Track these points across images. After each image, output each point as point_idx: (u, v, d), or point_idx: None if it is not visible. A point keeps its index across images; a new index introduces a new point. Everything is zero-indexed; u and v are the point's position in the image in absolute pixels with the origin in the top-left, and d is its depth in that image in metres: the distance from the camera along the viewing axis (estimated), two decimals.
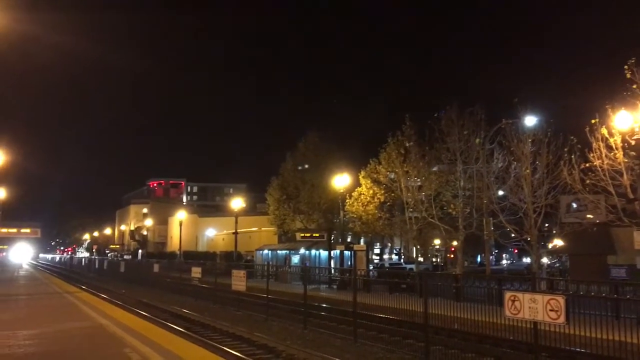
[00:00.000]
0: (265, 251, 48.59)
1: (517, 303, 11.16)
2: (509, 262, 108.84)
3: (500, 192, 26.38)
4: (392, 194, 33.37)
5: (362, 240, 44.43)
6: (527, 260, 79.51)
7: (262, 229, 57.28)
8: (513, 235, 25.10)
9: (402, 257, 65.48)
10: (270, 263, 33.40)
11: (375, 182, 33.94)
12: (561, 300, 10.44)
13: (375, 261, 59.10)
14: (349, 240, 41.19)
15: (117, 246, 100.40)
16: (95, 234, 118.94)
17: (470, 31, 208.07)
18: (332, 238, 41.28)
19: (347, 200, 35.04)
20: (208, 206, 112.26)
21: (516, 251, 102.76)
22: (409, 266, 45.37)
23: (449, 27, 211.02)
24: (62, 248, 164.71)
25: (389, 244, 68.09)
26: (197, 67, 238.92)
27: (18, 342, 13.24)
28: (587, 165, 19.34)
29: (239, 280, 23.60)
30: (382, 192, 33.84)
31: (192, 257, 57.13)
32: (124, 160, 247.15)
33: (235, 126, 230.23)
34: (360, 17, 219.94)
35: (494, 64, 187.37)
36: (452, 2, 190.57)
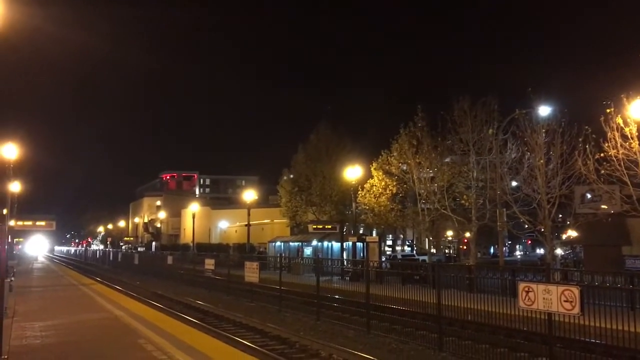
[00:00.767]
0: (278, 243, 48.74)
1: (531, 294, 11.10)
2: (522, 253, 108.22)
3: (514, 183, 26.17)
4: (404, 186, 33.24)
5: (374, 232, 44.41)
6: (540, 251, 79.04)
7: (275, 221, 57.44)
8: (526, 226, 24.91)
9: (415, 248, 65.40)
10: (283, 255, 33.45)
11: (387, 173, 33.82)
12: (576, 291, 10.36)
13: (388, 253, 59.04)
14: (361, 231, 41.18)
15: (131, 238, 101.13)
16: (110, 226, 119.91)
17: (485, 20, 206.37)
18: (345, 230, 41.29)
19: (359, 192, 34.98)
20: (221, 198, 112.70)
21: (530, 242, 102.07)
22: (421, 258, 45.29)
23: (463, 15, 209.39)
24: (76, 241, 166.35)
25: (402, 236, 68.00)
26: (209, 61, 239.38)
27: (35, 333, 13.43)
28: (602, 155, 19.08)
29: (251, 272, 23.71)
30: (394, 183, 33.72)
31: (205, 249, 57.43)
32: (137, 154, 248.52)
33: (248, 119, 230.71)
34: (376, 7, 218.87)
35: (508, 53, 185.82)
36: None
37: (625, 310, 11.65)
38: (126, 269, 51.41)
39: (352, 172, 34.00)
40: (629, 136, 18.12)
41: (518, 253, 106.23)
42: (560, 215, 28.35)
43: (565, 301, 10.42)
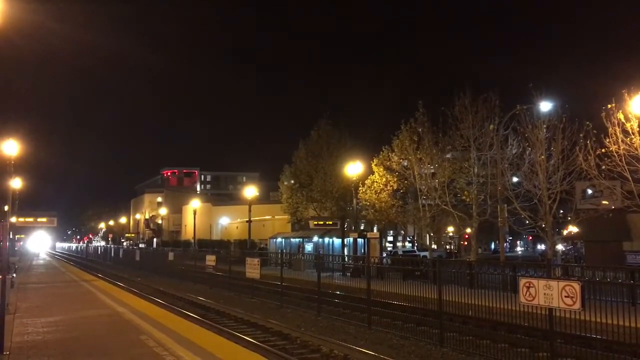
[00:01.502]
0: (279, 239, 48.75)
1: (532, 290, 11.10)
2: (523, 249, 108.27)
3: (515, 179, 26.18)
4: (405, 182, 33.24)
5: (375, 228, 44.36)
6: (541, 247, 79.03)
7: (276, 217, 57.45)
8: (527, 222, 24.91)
9: (416, 244, 65.43)
10: (284, 251, 33.48)
11: (388, 169, 33.81)
12: (577, 286, 10.37)
13: (389, 249, 59.09)
14: (362, 228, 41.21)
15: (133, 235, 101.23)
16: (111, 222, 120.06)
17: (486, 16, 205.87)
18: (346, 226, 41.30)
19: (360, 188, 34.99)
20: (222, 195, 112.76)
21: (531, 238, 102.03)
22: (422, 253, 45.35)
23: (463, 12, 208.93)
24: (78, 237, 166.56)
25: (402, 232, 68.04)
26: (211, 58, 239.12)
27: (37, 330, 13.46)
28: (603, 150, 19.09)
29: (253, 268, 23.74)
30: (395, 179, 33.71)
31: (206, 245, 57.49)
32: (138, 150, 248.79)
33: (249, 115, 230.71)
34: (377, 4, 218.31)
35: (509, 49, 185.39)
36: None
37: (626, 306, 11.65)
38: (127, 265, 51.48)
39: (353, 168, 34.00)
40: (630, 131, 18.11)
41: (519, 249, 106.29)
42: (561, 211, 28.38)
43: (566, 297, 10.43)
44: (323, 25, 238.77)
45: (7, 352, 10.77)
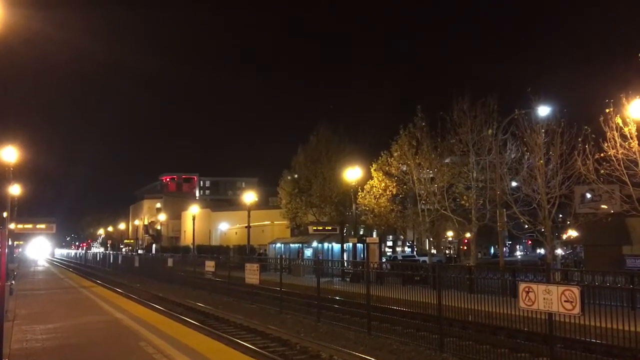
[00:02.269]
0: (278, 244, 48.71)
1: (531, 294, 11.10)
2: (522, 253, 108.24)
3: (514, 183, 26.18)
4: (404, 187, 33.23)
5: (374, 233, 44.38)
6: (541, 251, 79.02)
7: (275, 222, 57.42)
8: (527, 226, 24.92)
9: (415, 249, 65.40)
10: (283, 256, 33.45)
11: (387, 174, 33.81)
12: (576, 291, 10.37)
13: (388, 254, 59.05)
14: (361, 233, 41.17)
15: (132, 241, 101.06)
16: (110, 228, 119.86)
17: (483, 21, 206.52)
18: (345, 231, 41.28)
19: (359, 193, 34.97)
20: (221, 200, 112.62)
21: (530, 242, 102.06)
22: (422, 258, 45.29)
23: (461, 16, 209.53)
24: (77, 243, 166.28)
25: (402, 237, 67.99)
26: (209, 62, 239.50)
27: (35, 337, 13.43)
28: (602, 155, 19.11)
29: (252, 274, 23.72)
30: (394, 184, 33.70)
31: (205, 251, 57.42)
32: (137, 156, 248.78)
33: (248, 120, 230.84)
34: (376, 8, 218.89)
35: (507, 53, 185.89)
36: None
37: (626, 310, 11.64)
38: (126, 271, 51.38)
39: (352, 173, 34.00)
40: (629, 136, 18.15)
41: (518, 253, 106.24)
42: (560, 215, 28.37)
43: (565, 301, 10.42)
44: (322, 30, 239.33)
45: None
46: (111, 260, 65.48)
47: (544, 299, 10.82)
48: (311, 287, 21.38)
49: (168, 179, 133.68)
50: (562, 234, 45.83)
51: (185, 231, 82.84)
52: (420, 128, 30.47)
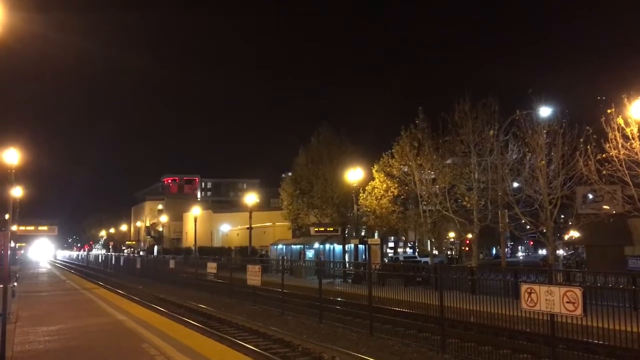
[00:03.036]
0: (280, 246, 48.70)
1: (533, 295, 11.09)
2: (524, 254, 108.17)
3: (515, 184, 26.17)
4: (406, 188, 33.23)
5: (376, 234, 44.34)
6: (543, 252, 78.98)
7: (276, 224, 57.41)
8: (528, 227, 24.90)
9: (417, 250, 65.31)
10: (285, 258, 33.46)
11: (389, 175, 33.81)
12: (578, 292, 10.36)
13: (390, 255, 58.99)
14: (363, 234, 41.16)
15: (133, 242, 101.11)
16: (112, 230, 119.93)
17: (486, 21, 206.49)
18: (346, 232, 41.26)
19: (360, 194, 34.98)
20: (222, 202, 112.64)
21: (532, 243, 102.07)
22: (423, 259, 45.26)
23: (463, 17, 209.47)
24: (78, 245, 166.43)
25: (403, 238, 67.85)
26: (210, 65, 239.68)
27: (38, 338, 13.44)
28: (603, 155, 19.10)
29: (254, 275, 23.72)
30: (396, 185, 33.71)
31: (207, 252, 57.40)
32: (138, 157, 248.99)
33: (249, 122, 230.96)
34: (376, 9, 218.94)
35: (508, 54, 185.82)
36: None
37: (628, 311, 11.63)
38: (128, 273, 51.46)
39: (354, 175, 34.00)
40: (630, 136, 18.12)
41: (520, 254, 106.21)
42: (562, 216, 28.35)
43: (567, 302, 10.42)
44: (323, 32, 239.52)
45: None
46: (113, 262, 65.58)
47: (546, 300, 10.81)
48: (313, 288, 21.38)
49: (170, 181, 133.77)
50: (563, 234, 45.83)
51: (187, 233, 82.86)
52: (422, 129, 30.49)
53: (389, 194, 33.97)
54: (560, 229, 32.44)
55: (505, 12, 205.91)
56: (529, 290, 11.21)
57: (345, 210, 41.87)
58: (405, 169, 32.23)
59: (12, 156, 28.22)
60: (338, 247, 41.58)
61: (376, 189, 34.27)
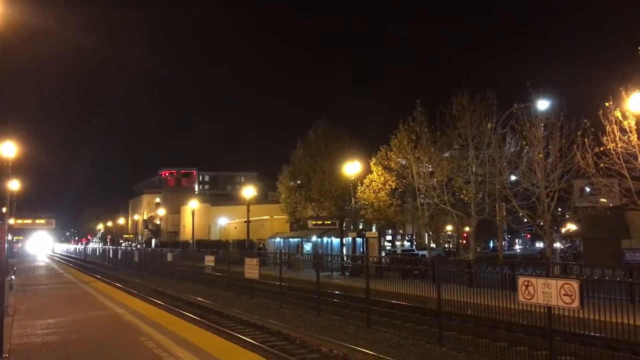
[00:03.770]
0: (278, 239, 48.73)
1: (530, 288, 11.12)
2: (522, 247, 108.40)
3: (513, 177, 26.19)
4: (404, 181, 33.24)
5: (373, 227, 44.39)
6: (540, 245, 79.07)
7: (274, 217, 57.41)
8: (526, 220, 24.93)
9: (414, 243, 65.44)
10: (283, 251, 33.47)
11: (387, 168, 33.80)
12: (575, 284, 10.38)
13: (388, 248, 59.10)
14: (360, 227, 41.18)
15: (131, 236, 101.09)
16: (109, 223, 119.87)
17: (484, 14, 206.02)
18: (344, 225, 41.28)
19: (358, 188, 34.97)
20: (220, 195, 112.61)
21: (529, 236, 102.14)
22: (421, 252, 45.32)
23: (462, 10, 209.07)
24: (76, 238, 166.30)
25: (401, 231, 67.99)
26: (209, 58, 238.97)
27: (36, 332, 13.45)
28: (601, 148, 19.10)
29: (252, 268, 23.74)
30: (394, 178, 33.71)
31: (205, 245, 57.41)
32: (136, 151, 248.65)
33: (247, 115, 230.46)
34: (376, 3, 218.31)
35: (506, 47, 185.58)
36: None
37: (625, 303, 11.67)
38: (126, 266, 51.45)
39: (351, 168, 33.98)
40: (628, 129, 18.13)
41: (518, 247, 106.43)
42: (560, 209, 28.36)
43: (564, 295, 10.44)
44: (321, 26, 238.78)
45: (7, 355, 10.76)
46: (111, 255, 65.53)
47: (543, 292, 10.83)
48: (311, 281, 21.41)
49: (167, 174, 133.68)
50: (561, 227, 45.79)
51: (184, 226, 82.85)
52: (420, 122, 30.45)
53: (387, 187, 33.97)
54: (557, 221, 32.42)
55: (504, 7, 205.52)
56: (526, 283, 11.23)
57: (343, 204, 41.89)
58: (403, 162, 32.24)
59: (9, 149, 28.17)
60: (336, 241, 41.62)
61: (374, 182, 34.27)
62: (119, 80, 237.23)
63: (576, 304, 10.29)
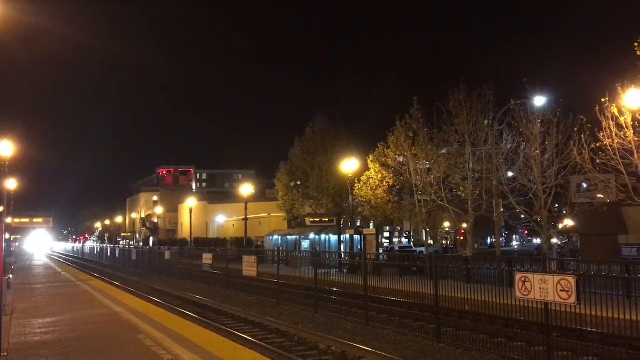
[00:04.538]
0: (275, 237, 48.75)
1: (527, 284, 11.16)
2: (519, 243, 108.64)
3: (510, 174, 26.22)
4: (401, 178, 33.29)
5: (371, 224, 44.46)
6: (537, 241, 79.30)
7: (272, 214, 57.46)
8: (523, 216, 25.01)
9: (412, 240, 65.49)
10: (281, 248, 33.52)
11: (384, 165, 33.84)
12: (572, 280, 10.42)
13: (385, 245, 59.16)
14: (358, 224, 41.21)
15: (129, 234, 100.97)
16: (107, 222, 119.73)
17: (481, 11, 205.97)
18: (342, 222, 41.32)
19: (356, 185, 35.01)
20: (217, 193, 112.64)
21: (526, 232, 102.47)
22: (418, 249, 45.39)
23: (459, 7, 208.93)
24: (74, 237, 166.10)
25: (399, 228, 68.05)
26: (206, 56, 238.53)
27: (34, 330, 13.44)
28: (597, 144, 19.14)
29: (250, 266, 23.76)
30: (391, 175, 33.75)
31: (202, 243, 57.42)
32: (133, 149, 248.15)
33: (244, 112, 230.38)
34: (369, 2, 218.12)
35: (503, 43, 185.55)
36: None
37: (622, 299, 11.72)
38: (124, 264, 51.43)
39: (349, 165, 34.00)
40: (624, 125, 18.16)
41: (515, 243, 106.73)
42: (557, 205, 28.48)
43: (561, 291, 10.48)
44: (319, 23, 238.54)
45: (5, 354, 10.76)
46: (108, 254, 65.47)
47: (540, 288, 10.87)
48: (309, 278, 21.44)
49: (165, 172, 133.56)
50: (558, 223, 45.97)
51: (182, 224, 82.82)
52: (417, 119, 30.46)
53: (384, 184, 34.01)
54: (554, 218, 32.56)
55: (500, 3, 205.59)
56: (523, 279, 11.27)
57: (341, 201, 41.95)
58: (401, 159, 32.27)
59: (6, 148, 28.16)
60: (333, 238, 41.64)
61: (371, 179, 34.30)
62: (117, 79, 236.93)
63: (573, 299, 10.33)
